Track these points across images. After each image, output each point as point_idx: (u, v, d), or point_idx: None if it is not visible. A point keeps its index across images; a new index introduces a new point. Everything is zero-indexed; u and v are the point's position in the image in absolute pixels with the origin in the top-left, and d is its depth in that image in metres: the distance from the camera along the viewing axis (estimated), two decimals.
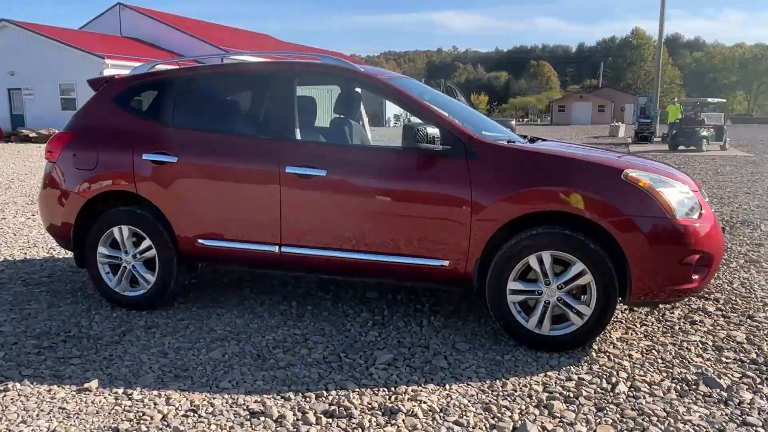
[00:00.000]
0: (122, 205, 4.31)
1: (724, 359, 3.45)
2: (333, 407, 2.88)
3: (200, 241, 4.07)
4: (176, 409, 2.89)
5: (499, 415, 2.84)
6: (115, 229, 4.23)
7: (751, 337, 3.77)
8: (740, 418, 2.80)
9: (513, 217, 3.48)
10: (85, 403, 2.96)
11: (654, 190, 3.38)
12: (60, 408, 2.91)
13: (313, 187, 3.80)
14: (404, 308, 4.29)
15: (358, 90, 4.92)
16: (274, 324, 4.01)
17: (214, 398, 3.00)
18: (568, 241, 3.42)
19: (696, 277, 3.43)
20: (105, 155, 4.22)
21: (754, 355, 3.49)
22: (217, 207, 4.00)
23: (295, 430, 2.70)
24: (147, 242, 4.16)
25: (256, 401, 2.97)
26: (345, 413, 2.83)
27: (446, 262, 3.65)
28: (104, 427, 2.74)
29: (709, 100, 23.58)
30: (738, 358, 3.46)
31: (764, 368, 3.32)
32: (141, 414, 2.84)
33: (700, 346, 3.64)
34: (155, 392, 3.06)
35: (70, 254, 5.95)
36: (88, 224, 4.33)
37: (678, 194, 3.45)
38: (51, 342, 3.72)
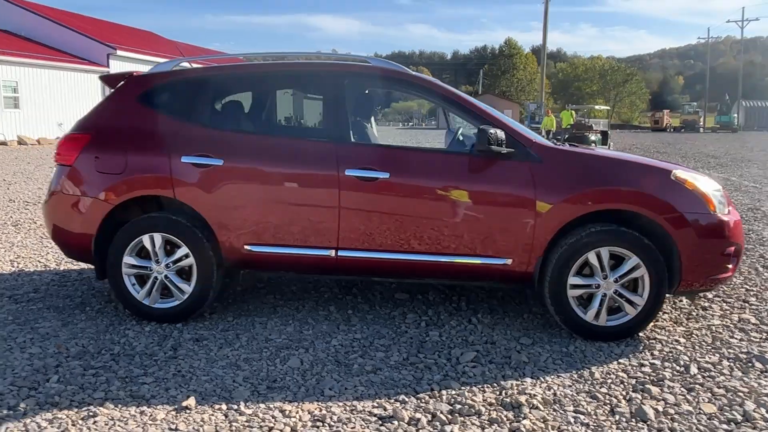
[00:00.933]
0: (143, 212, 4.04)
1: (754, 338, 3.86)
2: (458, 406, 2.92)
3: (247, 247, 3.91)
4: (299, 420, 2.80)
5: (608, 401, 3.02)
6: (146, 237, 3.94)
7: (760, 318, 4.24)
8: None
9: (577, 215, 3.69)
10: (196, 421, 2.78)
11: (699, 188, 3.73)
12: (171, 429, 2.71)
13: (375, 190, 3.79)
14: (443, 308, 4.37)
15: (367, 91, 4.94)
16: (327, 330, 3.94)
17: (330, 407, 2.93)
18: (625, 237, 3.68)
19: (730, 266, 3.82)
20: (135, 158, 3.93)
21: None
22: (269, 211, 3.87)
23: (440, 428, 2.72)
24: (183, 250, 3.93)
25: (374, 406, 2.94)
26: (472, 411, 2.88)
27: (509, 261, 3.79)
28: None
29: (596, 107, 25.67)
30: (764, 337, 3.90)
31: None
32: (268, 428, 2.72)
33: (726, 328, 4.04)
34: (262, 405, 2.93)
35: (42, 267, 5.44)
36: (108, 232, 4.02)
37: (714, 192, 3.82)
38: (101, 362, 3.42)
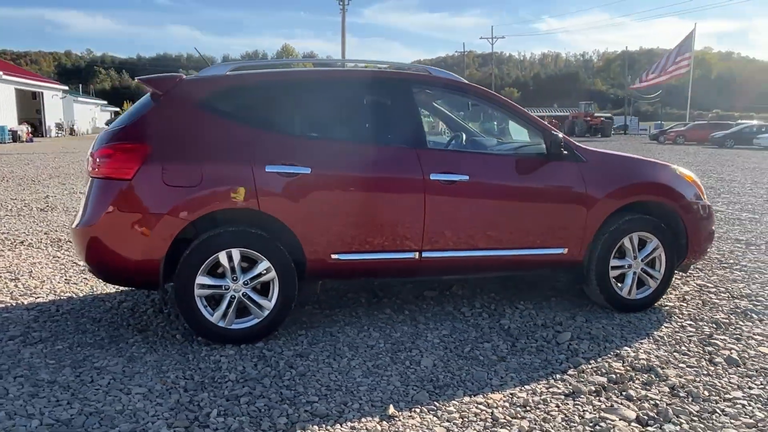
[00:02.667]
0: (195, 228, 3.75)
1: (726, 298, 4.87)
2: (611, 375, 3.34)
3: (334, 256, 3.85)
4: (506, 408, 2.98)
5: (699, 355, 3.67)
6: (222, 254, 3.67)
7: (711, 282, 5.32)
8: None
9: (619, 206, 4.32)
10: (416, 426, 2.81)
11: (693, 179, 4.63)
12: None
13: (456, 192, 4.01)
14: (482, 299, 4.71)
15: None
16: (411, 331, 4.05)
17: (514, 393, 3.14)
18: (650, 224, 4.42)
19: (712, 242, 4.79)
20: (212, 169, 3.62)
21: (749, 290, 5.00)
22: (357, 218, 3.86)
23: (622, 394, 3.11)
24: (264, 265, 3.74)
25: (547, 386, 3.22)
26: (625, 377, 3.32)
27: (565, 250, 4.29)
28: None
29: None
30: (730, 296, 4.93)
31: None
32: (490, 418, 2.86)
33: (700, 293, 5.01)
34: (455, 401, 3.04)
35: (12, 298, 4.57)
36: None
37: (700, 182, 4.76)
38: (234, 390, 3.17)
